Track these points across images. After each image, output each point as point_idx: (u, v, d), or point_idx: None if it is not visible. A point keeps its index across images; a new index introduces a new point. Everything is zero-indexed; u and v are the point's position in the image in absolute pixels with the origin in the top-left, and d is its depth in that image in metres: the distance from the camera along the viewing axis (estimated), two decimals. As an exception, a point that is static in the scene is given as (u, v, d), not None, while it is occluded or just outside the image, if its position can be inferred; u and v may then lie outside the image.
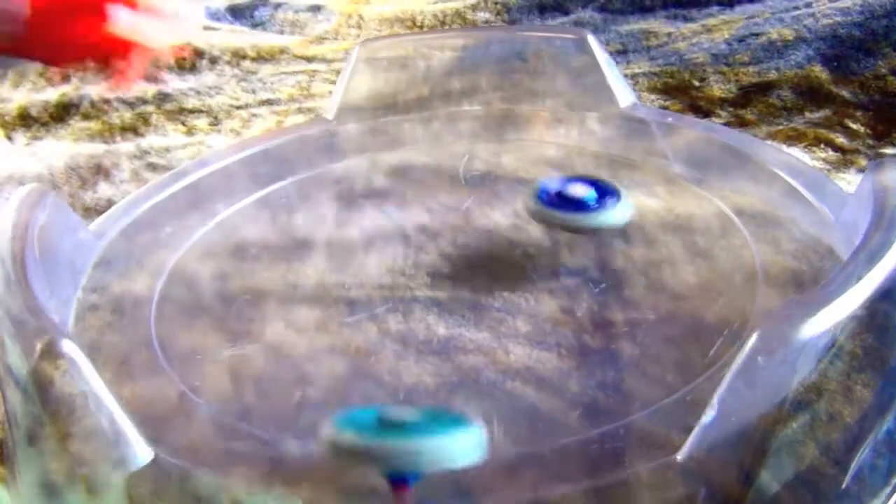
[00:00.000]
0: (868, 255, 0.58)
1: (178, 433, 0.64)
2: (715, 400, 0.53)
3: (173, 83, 1.42)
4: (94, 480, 0.57)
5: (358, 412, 0.55)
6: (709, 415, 0.53)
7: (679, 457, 0.53)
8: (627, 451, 0.58)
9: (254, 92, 1.39)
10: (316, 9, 1.70)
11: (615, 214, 0.77)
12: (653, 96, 1.26)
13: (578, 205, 0.78)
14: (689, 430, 0.54)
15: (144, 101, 1.37)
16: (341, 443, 0.53)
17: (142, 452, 0.58)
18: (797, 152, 1.09)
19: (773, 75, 1.26)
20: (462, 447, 0.52)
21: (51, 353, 0.58)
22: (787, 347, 0.52)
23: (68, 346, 0.58)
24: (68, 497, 0.58)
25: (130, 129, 1.30)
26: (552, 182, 0.80)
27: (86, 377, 0.58)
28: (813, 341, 0.53)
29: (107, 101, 1.37)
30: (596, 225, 0.78)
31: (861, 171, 1.01)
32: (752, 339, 0.53)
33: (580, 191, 0.78)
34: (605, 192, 0.78)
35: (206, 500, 0.57)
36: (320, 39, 1.61)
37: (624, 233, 0.81)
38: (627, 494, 0.53)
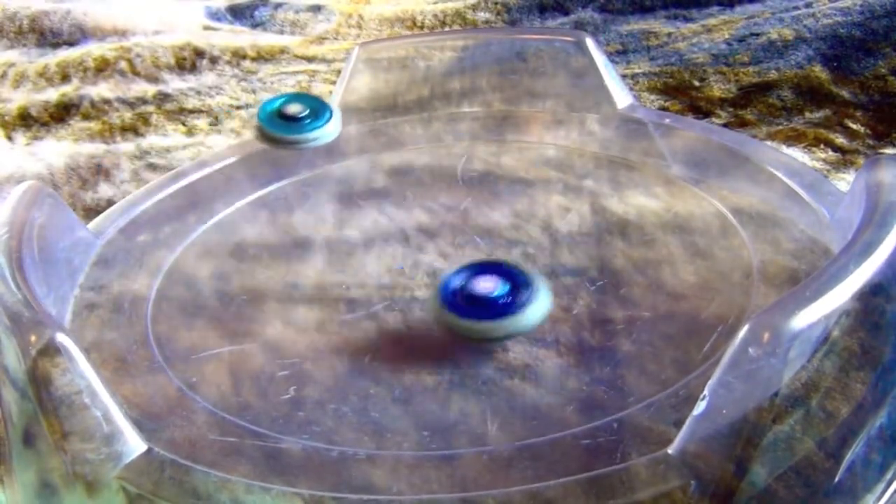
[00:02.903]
0: (860, 249, 0.58)
1: (175, 430, 0.64)
2: (706, 391, 0.53)
3: (173, 83, 1.42)
4: (90, 478, 0.57)
5: (274, 102, 0.98)
6: (700, 407, 0.53)
7: (671, 450, 0.54)
8: (621, 445, 0.58)
9: (254, 92, 1.39)
10: (316, 9, 1.70)
11: (528, 316, 0.67)
12: (653, 96, 1.26)
13: (485, 305, 0.68)
14: (682, 424, 0.54)
15: (144, 101, 1.38)
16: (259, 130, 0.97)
17: (135, 445, 0.59)
18: (797, 152, 1.09)
19: (773, 75, 1.26)
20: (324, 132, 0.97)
21: (46, 348, 0.58)
22: (778, 339, 0.52)
23: (62, 339, 0.58)
24: (65, 497, 0.58)
25: (130, 129, 1.30)
26: (456, 277, 0.70)
27: (80, 370, 0.58)
28: (804, 333, 0.53)
29: (107, 101, 1.37)
30: (503, 333, 0.68)
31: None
32: (743, 331, 0.53)
33: (487, 286, 0.68)
34: (518, 282, 0.68)
35: (204, 497, 0.56)
36: (320, 39, 1.61)
37: (623, 233, 0.81)
38: (620, 488, 0.53)
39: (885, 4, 1.33)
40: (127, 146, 1.25)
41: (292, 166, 0.99)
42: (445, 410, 0.64)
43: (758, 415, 0.52)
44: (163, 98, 1.38)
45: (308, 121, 0.97)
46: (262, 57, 1.51)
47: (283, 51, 1.54)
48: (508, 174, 0.94)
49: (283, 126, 0.97)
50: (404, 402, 0.65)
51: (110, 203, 1.03)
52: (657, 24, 1.48)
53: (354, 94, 1.09)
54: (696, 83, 1.28)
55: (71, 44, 1.62)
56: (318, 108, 0.99)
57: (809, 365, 0.55)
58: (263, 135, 0.97)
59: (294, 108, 0.97)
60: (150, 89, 1.40)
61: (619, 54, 1.40)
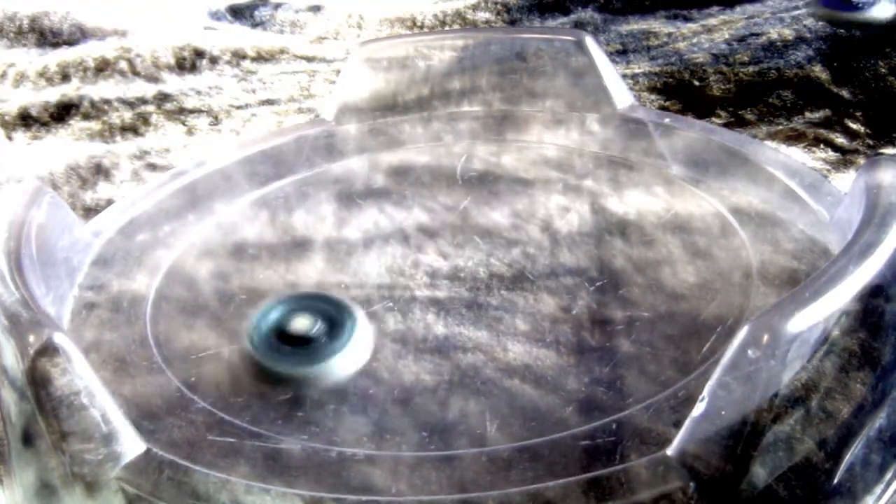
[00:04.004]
0: (859, 250, 0.58)
1: (174, 430, 0.64)
2: (705, 393, 0.53)
3: (173, 83, 1.42)
4: (89, 479, 0.57)
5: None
6: (699, 408, 0.53)
7: (669, 451, 0.53)
8: (620, 446, 0.58)
9: (254, 92, 1.39)
10: (316, 9, 1.70)
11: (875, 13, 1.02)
12: (653, 96, 1.26)
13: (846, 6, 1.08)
14: (681, 425, 0.54)
15: (144, 101, 1.37)
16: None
17: (134, 445, 0.58)
18: (797, 152, 1.09)
19: (772, 75, 1.26)
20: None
21: (45, 349, 0.58)
22: (777, 341, 0.52)
23: (61, 340, 0.58)
24: (64, 497, 0.58)
25: (130, 129, 1.30)
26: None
27: (79, 371, 0.58)
28: (803, 335, 0.53)
29: (107, 101, 1.37)
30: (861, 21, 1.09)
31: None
32: (742, 333, 0.53)
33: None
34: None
35: (203, 497, 0.56)
36: (320, 39, 1.61)
37: (623, 233, 0.81)
38: (619, 489, 0.53)
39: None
40: (127, 146, 1.25)
41: (292, 165, 0.99)
42: (445, 411, 0.64)
43: (757, 416, 0.52)
44: (163, 98, 1.38)
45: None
46: (262, 57, 1.51)
47: (283, 51, 1.54)
48: (508, 174, 0.94)
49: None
50: (404, 402, 0.65)
51: (110, 203, 1.03)
52: (657, 24, 1.48)
53: (354, 94, 1.08)
54: (696, 83, 1.28)
55: (71, 44, 1.62)
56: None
57: (809, 365, 0.55)
58: None
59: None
60: (150, 89, 1.40)
61: (619, 54, 1.40)
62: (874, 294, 0.58)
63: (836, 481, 0.55)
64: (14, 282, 0.66)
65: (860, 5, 1.05)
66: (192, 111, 1.35)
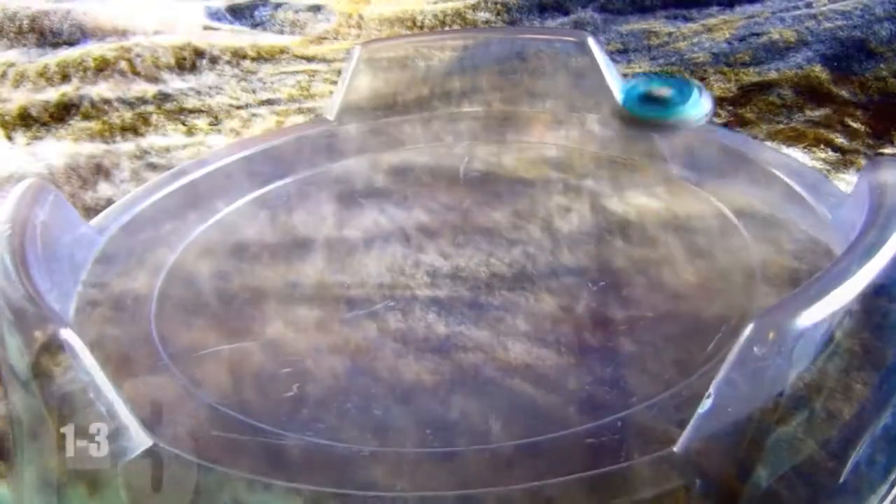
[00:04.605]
0: (864, 249, 0.59)
1: (179, 426, 0.64)
2: (711, 390, 0.53)
3: (173, 83, 1.42)
4: (94, 474, 0.57)
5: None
6: (705, 405, 0.53)
7: (675, 448, 0.54)
8: (625, 444, 0.58)
9: (254, 92, 1.39)
10: (316, 9, 1.70)
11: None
12: (653, 96, 1.26)
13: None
14: (685, 424, 0.54)
15: (144, 101, 1.37)
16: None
17: (139, 441, 0.58)
18: (797, 153, 1.09)
19: (773, 75, 1.26)
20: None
21: (50, 344, 0.58)
22: (783, 337, 0.52)
23: (67, 335, 0.58)
24: (69, 493, 0.58)
25: (130, 129, 1.30)
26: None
27: (84, 366, 0.58)
28: (809, 332, 0.54)
29: (107, 101, 1.37)
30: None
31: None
32: (748, 330, 0.53)
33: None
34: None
35: (207, 493, 0.57)
36: (320, 39, 1.61)
37: (624, 233, 0.81)
38: (624, 486, 0.53)
39: (886, 7, 1.33)
40: (127, 146, 1.25)
41: (293, 165, 0.99)
42: (447, 408, 0.64)
43: (762, 414, 0.52)
44: (163, 98, 1.38)
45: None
46: (262, 57, 1.51)
47: (283, 51, 1.53)
48: (509, 174, 0.94)
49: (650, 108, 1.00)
50: (406, 399, 0.65)
51: (110, 203, 1.03)
52: (657, 24, 1.48)
53: (355, 94, 1.09)
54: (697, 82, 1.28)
55: (71, 44, 1.61)
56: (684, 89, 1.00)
57: (814, 364, 0.55)
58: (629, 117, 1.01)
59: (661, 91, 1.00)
60: (150, 89, 1.40)
61: (619, 53, 1.40)
62: (878, 293, 0.58)
63: (841, 481, 0.55)
64: (19, 277, 0.67)
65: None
66: (192, 111, 1.35)
